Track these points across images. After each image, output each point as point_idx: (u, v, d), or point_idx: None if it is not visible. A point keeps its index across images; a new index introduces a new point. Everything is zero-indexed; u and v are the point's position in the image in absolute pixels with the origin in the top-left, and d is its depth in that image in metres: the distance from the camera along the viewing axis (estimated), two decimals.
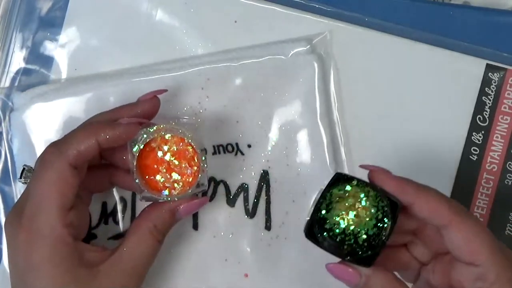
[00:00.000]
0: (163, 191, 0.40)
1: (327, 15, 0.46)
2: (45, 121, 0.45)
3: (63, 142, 0.37)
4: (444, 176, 0.46)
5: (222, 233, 0.45)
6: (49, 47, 0.47)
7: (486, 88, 0.46)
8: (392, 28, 0.46)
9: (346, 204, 0.35)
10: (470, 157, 0.46)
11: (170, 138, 0.40)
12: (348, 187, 0.35)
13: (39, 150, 0.45)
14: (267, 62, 0.45)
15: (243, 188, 0.45)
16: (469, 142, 0.46)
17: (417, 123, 0.46)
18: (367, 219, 0.35)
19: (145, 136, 0.39)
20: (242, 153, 0.45)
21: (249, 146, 0.45)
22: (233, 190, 0.45)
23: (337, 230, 0.35)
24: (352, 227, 0.35)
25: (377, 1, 0.47)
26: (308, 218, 0.35)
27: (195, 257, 0.45)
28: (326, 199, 0.35)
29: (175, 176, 0.40)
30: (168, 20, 0.46)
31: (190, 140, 0.40)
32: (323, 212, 0.35)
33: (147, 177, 0.40)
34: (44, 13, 0.47)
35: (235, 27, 0.46)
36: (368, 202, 0.35)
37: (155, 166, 0.40)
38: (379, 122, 0.46)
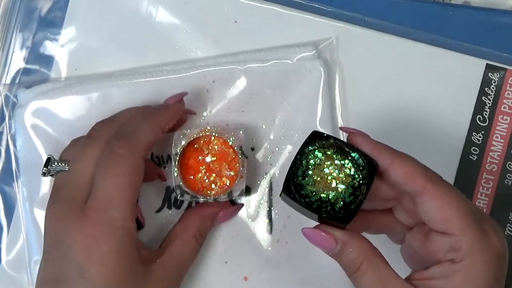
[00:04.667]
0: (201, 192, 0.42)
1: (327, 15, 0.46)
2: (49, 119, 0.45)
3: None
4: (444, 176, 0.45)
5: (223, 235, 0.45)
6: (49, 47, 0.47)
7: (486, 88, 0.46)
8: (392, 28, 0.46)
9: (323, 171, 0.35)
10: (470, 157, 0.46)
11: (213, 140, 0.41)
12: (322, 154, 0.35)
13: (43, 147, 0.45)
14: (272, 66, 0.45)
15: (246, 191, 0.45)
16: (469, 142, 0.46)
17: (417, 123, 0.46)
18: (344, 186, 0.35)
19: (188, 135, 0.41)
20: (246, 156, 0.45)
21: (253, 149, 0.45)
22: (235, 193, 0.45)
23: (314, 198, 0.35)
24: (328, 195, 0.35)
25: (376, 1, 0.47)
26: (286, 177, 0.35)
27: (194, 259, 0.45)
28: (302, 165, 0.35)
29: (213, 177, 0.41)
30: (168, 20, 0.46)
31: (232, 143, 0.41)
32: (300, 178, 0.35)
33: (188, 176, 0.41)
34: (44, 13, 0.47)
35: (235, 27, 0.46)
36: (344, 170, 0.35)
37: (196, 167, 0.41)
38: (381, 125, 0.46)
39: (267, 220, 0.45)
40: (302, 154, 0.35)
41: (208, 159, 0.42)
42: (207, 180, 0.42)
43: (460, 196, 0.34)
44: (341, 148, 0.35)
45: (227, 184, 0.42)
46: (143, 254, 0.37)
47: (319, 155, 0.36)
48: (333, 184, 0.35)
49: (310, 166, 0.35)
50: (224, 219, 0.43)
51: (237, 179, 0.42)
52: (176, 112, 0.41)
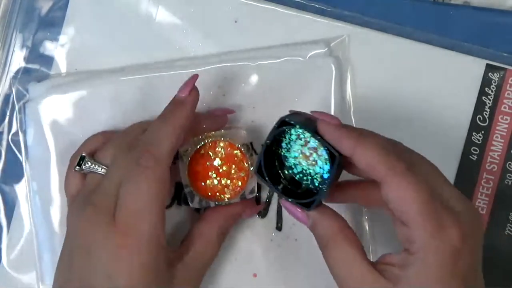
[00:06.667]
0: (214, 198, 0.41)
1: (327, 15, 0.46)
2: (60, 113, 0.45)
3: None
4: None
5: (232, 232, 0.45)
6: (49, 47, 0.47)
7: (486, 88, 0.46)
8: (391, 28, 0.46)
9: (305, 146, 0.36)
10: (470, 157, 0.46)
11: (219, 144, 0.41)
12: (305, 133, 0.36)
13: (53, 142, 0.44)
14: (284, 63, 0.45)
15: (256, 188, 0.45)
16: (469, 142, 0.46)
17: (417, 123, 0.46)
18: (323, 162, 0.36)
19: (194, 143, 0.41)
20: (256, 153, 0.45)
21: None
22: (247, 192, 0.45)
23: (296, 170, 0.37)
24: (310, 168, 0.36)
25: (376, 1, 0.47)
26: (259, 157, 0.36)
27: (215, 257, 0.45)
28: (286, 138, 0.36)
29: (224, 181, 0.41)
30: (168, 20, 0.46)
31: (239, 145, 0.41)
32: (284, 150, 0.36)
33: (199, 183, 0.41)
34: (44, 13, 0.47)
35: (235, 27, 0.46)
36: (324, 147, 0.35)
37: (205, 172, 0.41)
38: (382, 125, 0.46)
39: (277, 217, 0.45)
40: (271, 139, 0.36)
41: (216, 163, 0.41)
42: (219, 185, 0.42)
43: (422, 186, 0.32)
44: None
45: (239, 185, 0.42)
46: (169, 257, 0.37)
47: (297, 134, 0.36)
48: (311, 160, 0.36)
49: (292, 140, 0.36)
50: (248, 217, 0.44)
51: (248, 179, 0.42)
52: (193, 104, 0.39)
